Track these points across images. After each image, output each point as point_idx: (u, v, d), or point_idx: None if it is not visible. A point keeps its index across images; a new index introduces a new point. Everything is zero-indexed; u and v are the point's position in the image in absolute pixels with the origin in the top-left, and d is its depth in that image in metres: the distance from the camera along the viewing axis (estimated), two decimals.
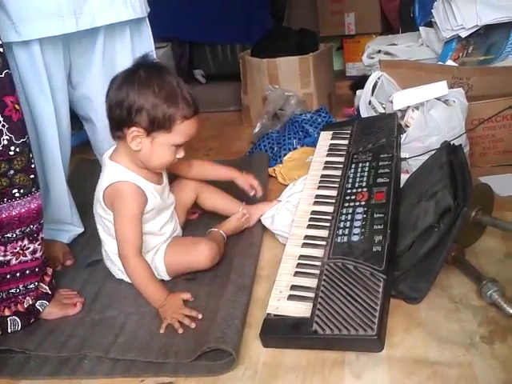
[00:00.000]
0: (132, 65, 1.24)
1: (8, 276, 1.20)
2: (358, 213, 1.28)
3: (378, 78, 1.90)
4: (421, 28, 2.24)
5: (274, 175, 1.91)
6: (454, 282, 1.24)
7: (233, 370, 1.06)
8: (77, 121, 1.56)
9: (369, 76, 1.96)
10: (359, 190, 1.35)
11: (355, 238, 1.21)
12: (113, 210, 1.26)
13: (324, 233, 1.28)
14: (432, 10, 2.11)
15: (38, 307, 1.24)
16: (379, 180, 1.35)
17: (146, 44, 1.50)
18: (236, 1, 3.12)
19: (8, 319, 1.21)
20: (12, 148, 1.11)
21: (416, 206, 1.27)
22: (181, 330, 1.16)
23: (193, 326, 1.17)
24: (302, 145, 2.06)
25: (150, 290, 1.24)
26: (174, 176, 1.50)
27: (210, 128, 2.52)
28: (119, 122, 1.21)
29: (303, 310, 1.10)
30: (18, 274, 1.21)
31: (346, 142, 1.57)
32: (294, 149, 2.03)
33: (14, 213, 1.15)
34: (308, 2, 3.37)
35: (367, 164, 1.42)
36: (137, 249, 1.23)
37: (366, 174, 1.39)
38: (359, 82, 2.28)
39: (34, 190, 1.18)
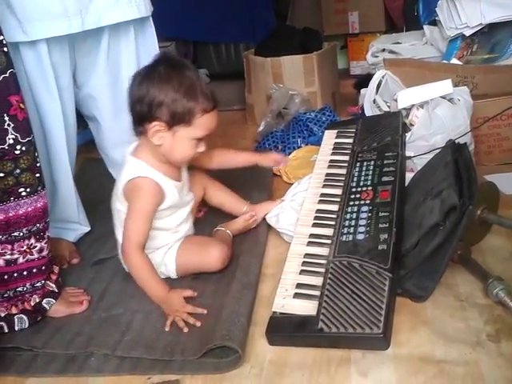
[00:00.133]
0: (152, 61, 1.26)
1: (15, 274, 1.21)
2: (363, 211, 1.28)
3: (383, 77, 1.90)
4: (425, 26, 2.24)
5: (278, 174, 1.91)
6: (460, 280, 1.24)
7: (239, 367, 1.06)
8: (81, 120, 1.57)
9: (373, 74, 1.96)
10: (364, 188, 1.35)
11: (360, 237, 1.21)
12: (128, 204, 1.27)
13: (329, 231, 1.28)
14: (436, 9, 2.11)
15: (45, 305, 1.25)
16: (384, 178, 1.35)
17: (150, 43, 1.51)
18: (240, 0, 3.12)
19: (15, 317, 1.22)
20: (18, 147, 1.12)
21: (421, 204, 1.27)
22: (186, 329, 1.16)
23: (198, 324, 1.17)
24: (307, 143, 2.06)
25: (150, 285, 1.24)
26: None
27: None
28: (141, 117, 1.23)
29: (309, 308, 1.10)
30: (25, 273, 1.22)
31: (350, 140, 1.57)
32: (299, 147, 2.03)
33: (20, 212, 1.16)
34: (311, 1, 3.37)
35: (372, 162, 1.42)
36: (139, 245, 1.23)
37: (370, 172, 1.39)
38: (363, 80, 2.28)
39: (39, 188, 1.18)
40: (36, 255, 1.22)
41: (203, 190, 1.55)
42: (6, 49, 1.10)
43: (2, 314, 1.21)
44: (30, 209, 1.17)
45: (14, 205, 1.15)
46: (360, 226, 1.24)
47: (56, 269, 1.31)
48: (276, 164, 1.58)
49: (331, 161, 1.52)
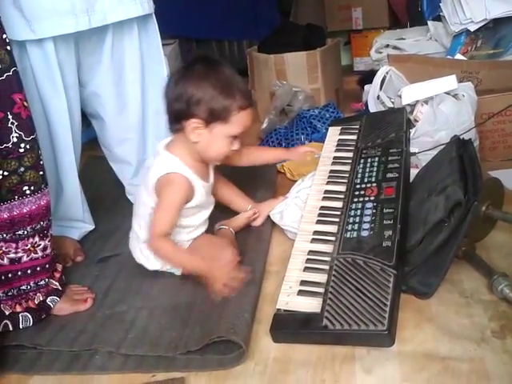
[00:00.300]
0: (189, 60, 1.29)
1: (19, 273, 1.21)
2: (367, 208, 1.28)
3: (387, 73, 1.89)
4: (429, 22, 2.22)
5: (282, 171, 1.91)
6: (465, 276, 1.24)
7: (243, 364, 1.06)
8: (85, 118, 1.57)
9: (377, 71, 1.95)
10: (368, 185, 1.34)
11: (365, 234, 1.21)
12: (158, 197, 1.29)
13: (333, 228, 1.28)
14: (440, 4, 2.10)
15: (49, 303, 1.25)
16: (388, 175, 1.34)
17: (153, 41, 1.51)
18: None
19: (20, 315, 1.22)
20: (22, 145, 1.12)
21: (426, 200, 1.26)
22: (231, 294, 1.19)
23: (241, 285, 1.20)
24: (310, 140, 2.05)
25: (185, 263, 1.29)
26: None
27: None
28: (178, 115, 1.25)
29: (313, 305, 1.10)
30: (28, 271, 1.22)
31: (354, 137, 1.56)
32: (302, 144, 2.03)
33: (25, 210, 1.16)
34: None
35: (376, 159, 1.42)
36: (165, 234, 1.26)
37: (375, 168, 1.38)
38: (367, 76, 2.27)
39: (43, 186, 1.18)
40: (40, 253, 1.22)
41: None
42: (9, 47, 1.10)
43: (7, 312, 1.21)
44: (33, 207, 1.17)
45: (18, 203, 1.15)
46: (364, 222, 1.24)
47: (59, 267, 1.32)
48: (304, 157, 1.55)
49: (335, 157, 1.52)
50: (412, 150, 1.55)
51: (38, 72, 1.31)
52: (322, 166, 1.50)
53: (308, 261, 1.22)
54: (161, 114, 1.57)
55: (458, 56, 1.95)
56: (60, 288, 1.28)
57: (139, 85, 1.51)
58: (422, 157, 1.62)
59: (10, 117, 1.10)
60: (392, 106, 1.82)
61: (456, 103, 1.66)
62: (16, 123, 1.11)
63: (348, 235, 1.23)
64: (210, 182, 1.39)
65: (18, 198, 1.15)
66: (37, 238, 1.20)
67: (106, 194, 1.82)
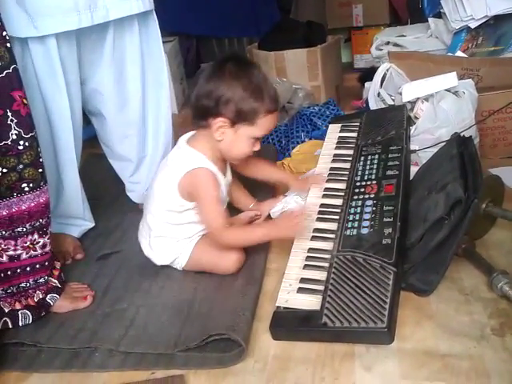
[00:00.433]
0: (221, 58, 1.29)
1: (18, 270, 1.21)
2: (367, 205, 1.27)
3: (387, 70, 1.89)
4: (430, 19, 2.22)
5: (282, 169, 1.90)
6: (465, 274, 1.24)
7: (243, 362, 1.06)
8: (84, 116, 1.57)
9: (377, 68, 1.95)
10: (368, 182, 1.34)
11: (364, 231, 1.21)
12: (193, 196, 1.29)
13: (333, 226, 1.28)
14: (441, 1, 2.09)
15: (49, 301, 1.25)
16: (388, 172, 1.34)
17: (153, 38, 1.51)
18: None
19: (19, 313, 1.22)
20: (21, 142, 1.12)
21: (426, 198, 1.26)
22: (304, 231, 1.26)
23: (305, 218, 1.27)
24: (311, 138, 2.05)
25: (254, 238, 1.31)
26: None
27: None
28: (206, 111, 1.26)
29: (313, 303, 1.10)
30: (28, 269, 1.22)
31: (354, 134, 1.56)
32: (303, 142, 2.02)
33: (23, 207, 1.16)
34: None
35: (376, 156, 1.42)
36: (223, 225, 1.27)
37: (375, 166, 1.38)
38: (367, 73, 2.26)
39: (42, 183, 1.18)
40: (39, 251, 1.22)
41: None
42: (9, 44, 1.10)
43: (6, 310, 1.21)
44: (32, 204, 1.17)
45: (16, 200, 1.15)
46: (364, 220, 1.24)
47: (58, 264, 1.31)
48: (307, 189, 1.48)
49: (335, 155, 1.52)
50: (412, 147, 1.55)
51: (39, 69, 1.31)
52: (322, 164, 1.50)
53: (308, 258, 1.22)
54: (161, 111, 1.58)
55: (459, 53, 1.95)
56: (59, 286, 1.28)
57: (140, 81, 1.51)
58: (422, 154, 1.61)
59: (9, 114, 1.09)
60: (392, 103, 1.82)
61: (456, 100, 1.66)
62: (15, 120, 1.10)
63: (348, 233, 1.22)
64: (229, 178, 1.39)
65: (17, 195, 1.15)
66: (36, 236, 1.20)
67: (106, 192, 1.82)
